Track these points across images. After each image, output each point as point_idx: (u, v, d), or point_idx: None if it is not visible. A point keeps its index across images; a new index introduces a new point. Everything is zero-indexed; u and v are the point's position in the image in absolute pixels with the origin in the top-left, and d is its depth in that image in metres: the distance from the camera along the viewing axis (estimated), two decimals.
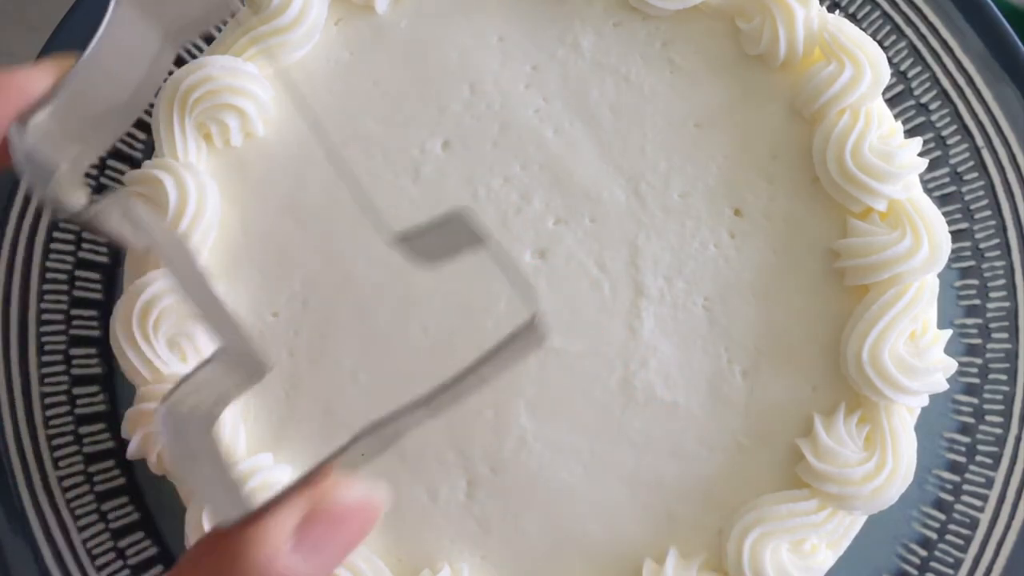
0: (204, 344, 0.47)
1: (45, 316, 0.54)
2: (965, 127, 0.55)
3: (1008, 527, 0.52)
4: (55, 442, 0.53)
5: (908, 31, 0.56)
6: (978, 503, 0.52)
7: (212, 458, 0.35)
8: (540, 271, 0.48)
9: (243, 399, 0.48)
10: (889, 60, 0.49)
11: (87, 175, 0.55)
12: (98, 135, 0.37)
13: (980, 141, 0.55)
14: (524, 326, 0.31)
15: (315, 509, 0.32)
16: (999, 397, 0.53)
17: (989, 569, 0.51)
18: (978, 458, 0.52)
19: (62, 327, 0.54)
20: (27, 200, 0.55)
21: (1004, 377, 0.53)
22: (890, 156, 0.47)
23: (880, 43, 0.52)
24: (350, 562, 0.45)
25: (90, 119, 0.36)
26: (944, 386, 0.47)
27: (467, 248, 0.36)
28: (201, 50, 0.57)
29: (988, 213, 0.54)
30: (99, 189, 0.55)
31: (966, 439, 0.52)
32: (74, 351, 0.54)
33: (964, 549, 0.52)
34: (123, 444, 0.47)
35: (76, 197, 0.35)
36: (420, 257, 0.38)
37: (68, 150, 0.35)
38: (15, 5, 0.64)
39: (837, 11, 0.56)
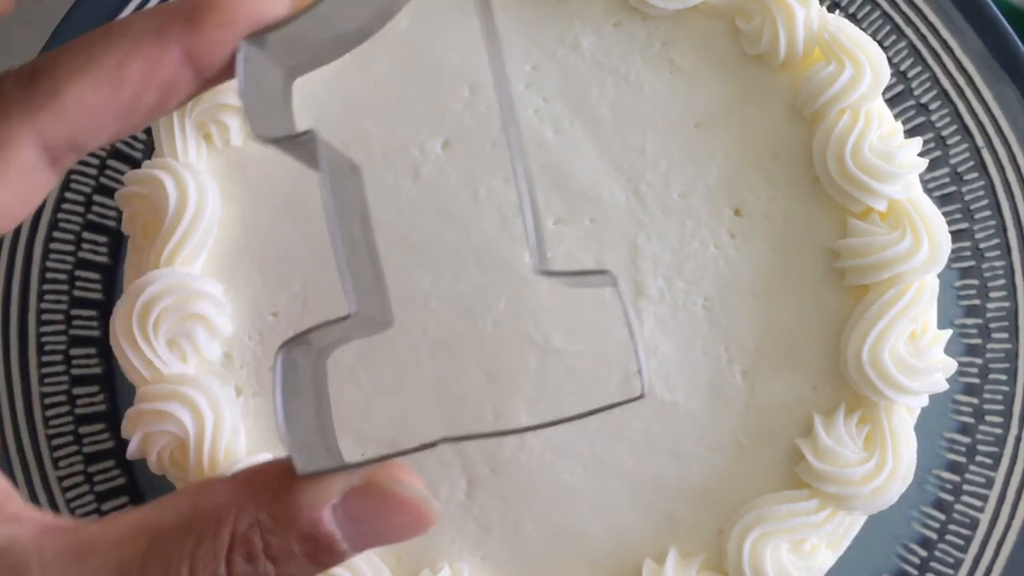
0: (204, 344, 0.47)
1: (45, 316, 0.54)
2: (965, 127, 0.55)
3: (1008, 527, 0.52)
4: (55, 442, 0.53)
5: (908, 31, 0.56)
6: (978, 503, 0.52)
7: (317, 392, 0.37)
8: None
9: (243, 399, 0.48)
10: (889, 60, 0.49)
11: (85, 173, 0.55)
12: (317, 54, 0.39)
13: (980, 141, 0.55)
14: (630, 399, 0.34)
15: (371, 482, 0.33)
16: (999, 397, 0.53)
17: (989, 569, 0.51)
18: (978, 458, 0.52)
19: (62, 327, 0.54)
20: None
21: (1004, 377, 0.53)
22: (890, 156, 0.47)
23: (880, 43, 0.52)
24: (349, 562, 0.45)
25: (314, 43, 0.38)
26: (944, 386, 0.47)
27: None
28: None
29: (988, 213, 0.54)
30: (99, 189, 0.55)
31: (966, 439, 0.52)
32: (74, 351, 0.54)
33: (964, 549, 0.52)
34: (123, 444, 0.47)
35: (281, 120, 0.38)
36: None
37: (284, 63, 0.38)
38: (15, 4, 0.64)
39: (837, 11, 0.56)
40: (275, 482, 0.33)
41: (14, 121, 0.33)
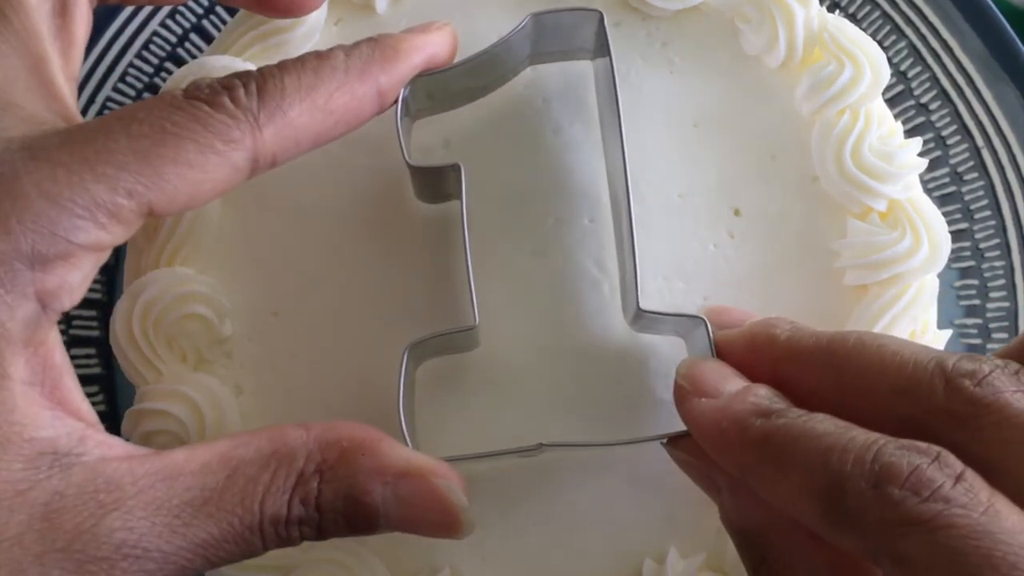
0: (204, 344, 0.47)
1: None
2: (965, 127, 0.55)
3: None
4: None
5: (908, 31, 0.56)
6: None
7: (411, 392, 0.44)
8: (540, 271, 0.48)
9: (242, 399, 0.48)
10: (889, 60, 0.49)
11: None
12: (444, 102, 0.47)
13: (980, 141, 0.55)
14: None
15: (427, 474, 0.37)
16: None
17: None
18: None
19: (62, 327, 0.54)
20: None
21: None
22: (890, 156, 0.47)
23: (880, 43, 0.52)
24: (347, 562, 0.45)
25: (448, 90, 0.45)
26: None
27: (688, 337, 0.44)
28: (201, 50, 0.57)
29: (988, 213, 0.54)
30: None
31: None
32: (74, 351, 0.54)
33: None
34: None
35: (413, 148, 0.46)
36: (644, 328, 0.46)
37: (421, 103, 0.45)
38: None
39: (837, 11, 0.56)
40: (346, 441, 0.36)
41: (243, 127, 0.36)
